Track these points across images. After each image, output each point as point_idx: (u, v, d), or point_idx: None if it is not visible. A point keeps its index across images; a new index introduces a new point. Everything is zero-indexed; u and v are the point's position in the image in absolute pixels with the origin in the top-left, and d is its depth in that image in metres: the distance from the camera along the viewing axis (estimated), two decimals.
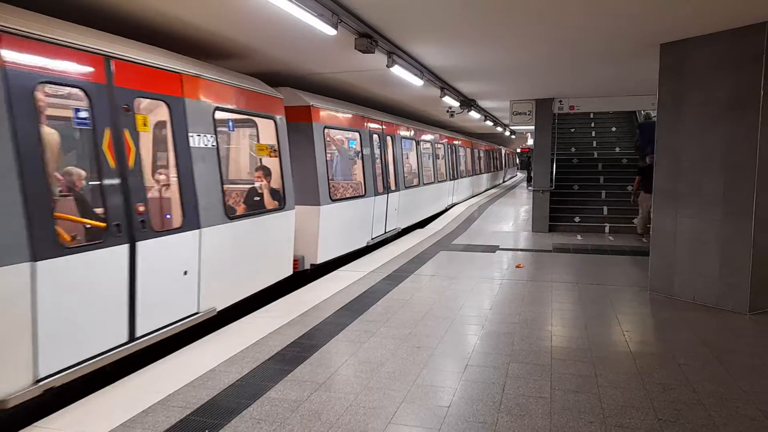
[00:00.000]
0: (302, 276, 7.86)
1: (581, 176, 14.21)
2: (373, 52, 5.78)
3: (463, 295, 6.58)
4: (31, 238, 3.53)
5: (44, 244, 3.63)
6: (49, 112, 4.51)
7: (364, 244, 9.82)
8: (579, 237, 11.35)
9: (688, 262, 6.26)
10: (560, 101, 11.83)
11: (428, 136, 15.13)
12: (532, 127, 13.05)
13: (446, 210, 16.81)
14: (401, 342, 4.93)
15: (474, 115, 13.27)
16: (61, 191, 4.40)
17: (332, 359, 4.52)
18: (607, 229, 12.00)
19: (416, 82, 7.85)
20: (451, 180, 17.82)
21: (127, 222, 4.37)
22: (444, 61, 7.65)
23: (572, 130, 17.70)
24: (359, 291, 6.72)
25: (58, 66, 3.89)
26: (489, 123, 16.76)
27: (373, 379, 4.12)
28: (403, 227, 12.18)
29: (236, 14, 5.16)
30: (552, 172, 12.41)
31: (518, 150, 48.60)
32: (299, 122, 7.91)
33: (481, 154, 25.23)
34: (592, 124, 18.15)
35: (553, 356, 4.59)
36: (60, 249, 3.79)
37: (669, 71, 6.40)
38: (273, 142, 6.97)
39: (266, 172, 6.95)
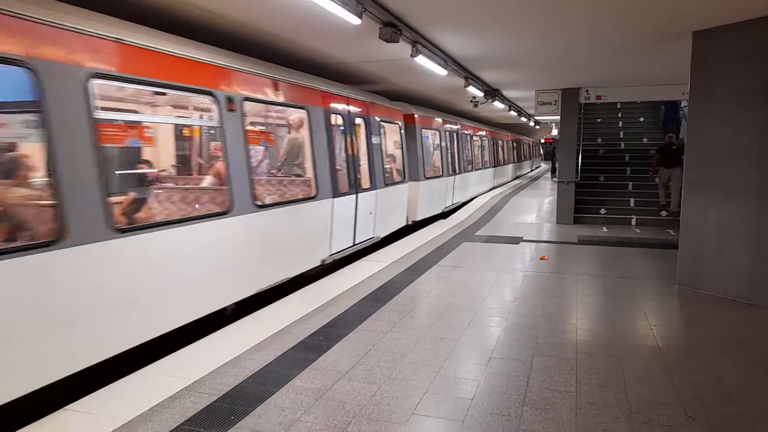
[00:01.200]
0: (406, 229, 11.08)
1: (607, 167, 13.98)
2: (398, 41, 5.74)
3: (486, 286, 6.54)
4: (333, 190, 7.42)
5: (335, 192, 7.45)
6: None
7: (440, 211, 13.33)
8: (605, 229, 11.17)
9: (718, 255, 6.12)
10: (587, 91, 11.61)
11: (479, 132, 18.51)
12: (557, 117, 12.87)
13: (488, 191, 19.68)
14: (424, 333, 4.93)
15: (498, 105, 13.11)
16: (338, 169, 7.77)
17: (356, 349, 4.54)
18: (633, 221, 11.78)
19: (440, 71, 7.78)
20: (492, 167, 20.71)
21: (355, 183, 8.18)
22: (467, 49, 7.56)
23: (598, 120, 17.37)
24: (382, 281, 6.72)
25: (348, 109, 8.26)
26: (513, 113, 16.56)
27: (396, 369, 4.12)
28: (461, 201, 15.54)
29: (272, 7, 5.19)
30: (577, 162, 12.23)
31: (542, 140, 48.02)
32: (408, 125, 11.40)
33: (512, 145, 26.78)
34: (619, 114, 17.77)
35: (579, 350, 4.53)
36: (337, 194, 7.53)
37: (701, 60, 6.23)
38: (398, 139, 10.93)
39: (394, 159, 10.94)
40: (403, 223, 10.79)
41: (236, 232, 5.48)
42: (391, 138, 10.89)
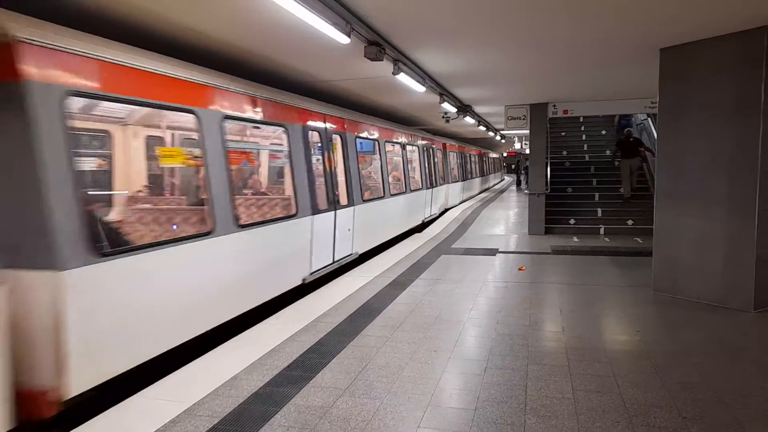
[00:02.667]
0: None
1: (574, 179, 14.40)
2: (382, 60, 5.84)
3: (470, 298, 6.63)
4: (332, 202, 8.12)
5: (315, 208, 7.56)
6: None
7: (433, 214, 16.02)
8: (575, 239, 11.48)
9: (692, 261, 6.38)
10: (554, 105, 11.98)
11: (459, 150, 21.54)
12: (526, 132, 13.23)
13: (463, 202, 21.59)
14: (417, 346, 4.96)
15: (469, 120, 13.38)
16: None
17: (351, 365, 4.53)
18: (602, 231, 12.15)
19: (419, 88, 7.92)
20: (462, 181, 22.05)
21: (334, 200, 8.27)
22: (445, 67, 7.74)
23: (563, 133, 17.91)
24: (367, 297, 6.73)
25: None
26: (482, 128, 16.91)
27: (396, 383, 4.14)
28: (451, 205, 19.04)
29: (260, 27, 5.22)
30: (547, 175, 12.56)
31: (504, 154, 49.05)
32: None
33: (477, 159, 27.70)
34: (582, 128, 18.39)
35: (570, 357, 4.64)
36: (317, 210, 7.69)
37: (670, 75, 6.54)
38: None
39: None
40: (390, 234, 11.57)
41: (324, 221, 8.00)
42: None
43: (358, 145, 10.06)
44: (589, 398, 3.85)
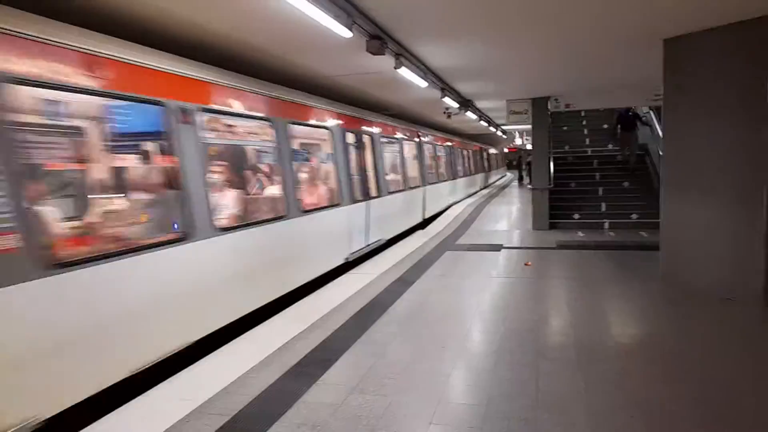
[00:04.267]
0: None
1: (577, 173, 14.33)
2: (384, 54, 5.79)
3: (477, 294, 6.59)
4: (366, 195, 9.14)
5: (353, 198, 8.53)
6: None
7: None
8: (580, 233, 11.43)
9: (700, 253, 6.33)
10: (556, 99, 11.91)
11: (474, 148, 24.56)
12: (527, 126, 13.17)
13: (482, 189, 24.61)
14: (426, 342, 4.92)
15: (470, 115, 13.33)
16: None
17: (360, 361, 4.50)
18: (606, 225, 12.09)
19: (421, 83, 7.88)
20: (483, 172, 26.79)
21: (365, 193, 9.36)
22: (446, 61, 7.70)
23: (564, 128, 17.84)
24: (374, 294, 6.70)
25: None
26: (483, 123, 16.86)
27: (406, 379, 4.10)
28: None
29: (261, 22, 5.17)
30: (550, 170, 12.51)
31: (505, 150, 48.92)
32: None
33: (485, 155, 29.82)
34: (584, 122, 18.31)
35: (580, 352, 4.60)
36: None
37: (673, 65, 6.49)
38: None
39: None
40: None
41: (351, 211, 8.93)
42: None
43: (383, 143, 11.19)
44: (601, 393, 3.81)
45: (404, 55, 6.59)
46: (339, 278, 7.64)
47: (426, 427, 3.39)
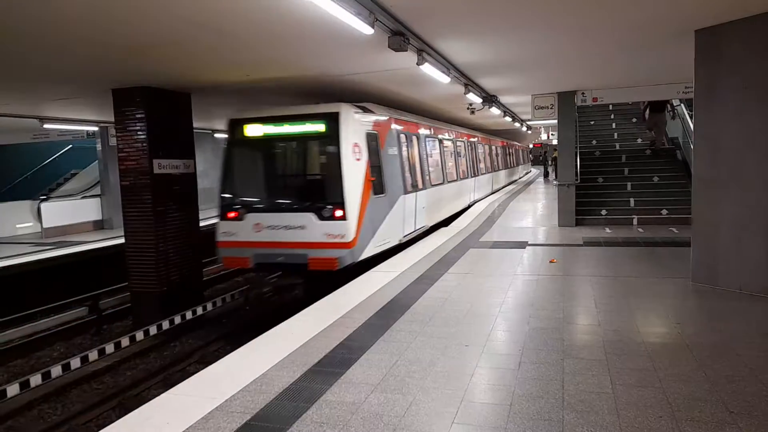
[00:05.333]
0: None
1: (605, 168, 14.06)
2: (406, 50, 5.74)
3: (501, 292, 6.50)
4: (403, 188, 10.25)
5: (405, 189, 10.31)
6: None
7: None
8: (607, 230, 11.20)
9: (733, 250, 6.13)
10: (583, 93, 11.67)
11: (501, 143, 25.78)
12: (553, 122, 12.96)
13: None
14: (448, 341, 4.87)
15: (494, 111, 13.17)
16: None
17: (382, 360, 4.47)
18: (635, 221, 11.82)
19: (443, 79, 7.80)
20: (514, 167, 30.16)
21: (413, 185, 10.98)
22: (469, 56, 7.60)
23: (592, 122, 17.53)
24: (395, 291, 6.66)
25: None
26: (508, 119, 16.65)
27: (428, 378, 4.06)
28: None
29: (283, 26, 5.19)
30: (576, 165, 12.28)
31: (531, 145, 48.32)
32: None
33: (510, 150, 30.52)
34: (612, 116, 17.96)
35: (607, 351, 4.49)
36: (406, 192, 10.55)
37: (705, 57, 6.28)
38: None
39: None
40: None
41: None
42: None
43: (426, 142, 12.42)
44: (629, 393, 3.70)
45: (426, 51, 6.53)
46: (360, 276, 7.62)
47: (449, 427, 3.34)
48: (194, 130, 10.51)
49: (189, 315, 9.08)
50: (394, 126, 10.14)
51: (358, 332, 5.20)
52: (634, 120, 17.43)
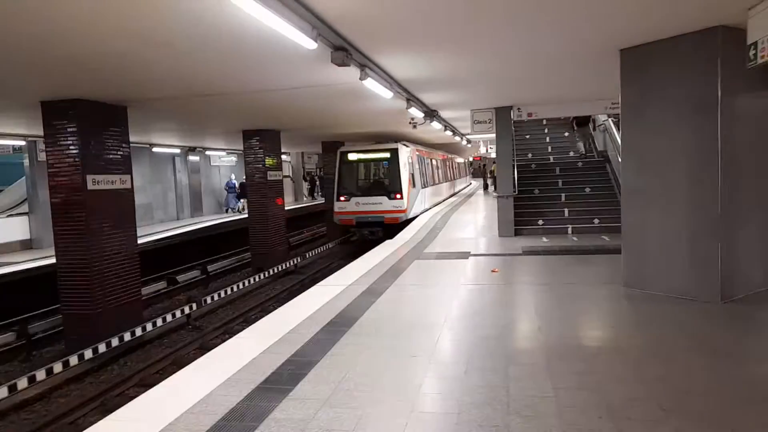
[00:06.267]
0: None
1: (540, 180, 14.63)
2: (349, 65, 5.81)
3: (446, 302, 6.62)
4: (421, 185, 19.01)
5: (421, 186, 18.90)
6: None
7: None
8: (545, 239, 11.64)
9: (659, 256, 6.52)
10: (518, 109, 12.14)
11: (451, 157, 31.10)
12: (491, 135, 13.39)
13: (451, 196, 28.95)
14: (396, 352, 4.91)
15: (436, 125, 13.46)
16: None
17: (330, 375, 4.45)
18: (569, 230, 12.35)
19: (386, 94, 7.92)
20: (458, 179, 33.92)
21: (423, 184, 19.24)
22: (411, 72, 7.77)
23: (527, 136, 18.22)
24: (342, 305, 6.65)
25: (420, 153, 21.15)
26: (449, 133, 17.04)
27: (377, 391, 4.08)
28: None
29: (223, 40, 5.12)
30: (514, 177, 12.72)
31: (470, 158, 49.57)
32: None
33: (455, 164, 34.10)
34: (546, 130, 18.74)
35: (549, 356, 4.67)
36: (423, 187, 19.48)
37: (629, 75, 6.71)
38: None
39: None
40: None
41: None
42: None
43: (425, 160, 20.46)
44: (570, 395, 3.86)
45: (369, 66, 6.62)
46: (307, 291, 7.58)
47: None
48: (132, 145, 10.16)
49: (127, 336, 8.69)
50: (416, 152, 18.60)
51: (306, 347, 5.16)
52: (566, 134, 18.28)
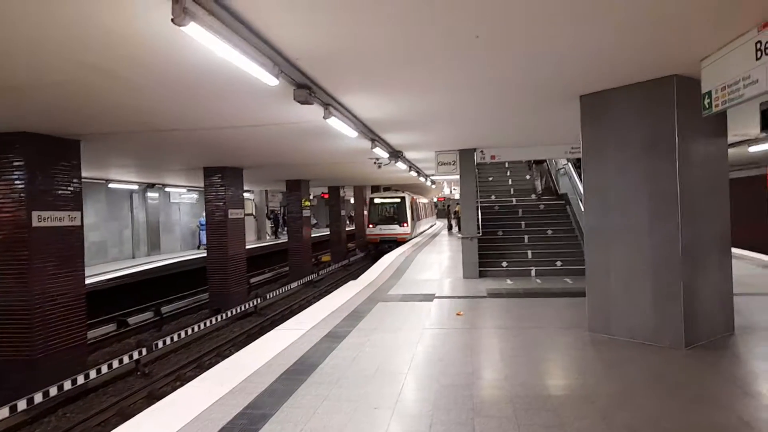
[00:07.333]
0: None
1: (504, 222, 14.73)
2: (312, 104, 5.71)
3: (410, 347, 6.39)
4: (417, 219, 31.40)
5: (417, 220, 31.08)
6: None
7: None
8: (509, 281, 11.60)
9: (623, 299, 6.49)
10: (482, 151, 12.28)
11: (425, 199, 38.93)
12: (455, 177, 13.47)
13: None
14: (357, 404, 4.63)
15: (401, 165, 13.48)
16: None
17: (285, 430, 4.14)
18: (533, 272, 12.36)
19: (351, 133, 7.85)
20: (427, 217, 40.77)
21: (415, 219, 29.47)
22: (375, 112, 7.74)
23: (490, 178, 18.47)
24: (301, 351, 6.34)
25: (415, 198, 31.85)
26: (413, 173, 17.11)
27: None
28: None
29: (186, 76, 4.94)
30: (478, 218, 12.75)
31: (435, 199, 50.10)
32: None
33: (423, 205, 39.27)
34: (508, 173, 19.05)
35: (515, 406, 4.48)
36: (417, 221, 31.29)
37: (589, 119, 6.83)
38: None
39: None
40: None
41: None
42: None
43: (416, 203, 30.14)
44: None
45: (333, 105, 6.55)
46: (265, 335, 7.23)
47: None
48: (84, 180, 9.73)
49: (68, 385, 8.08)
50: (413, 198, 28.29)
51: (261, 398, 4.83)
52: (528, 177, 18.61)
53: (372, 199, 27.23)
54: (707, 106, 5.54)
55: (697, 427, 4.00)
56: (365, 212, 28.57)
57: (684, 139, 6.01)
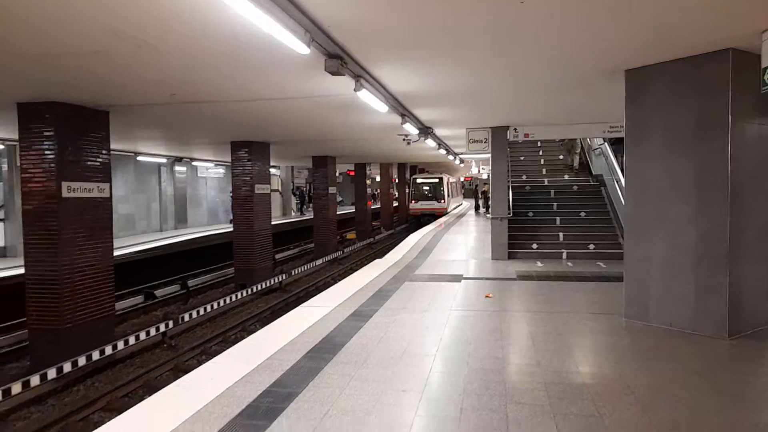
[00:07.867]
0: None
1: (535, 203, 14.36)
2: (343, 74, 5.48)
3: (438, 329, 6.23)
4: (451, 196, 35.08)
5: (451, 197, 34.59)
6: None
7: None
8: (539, 264, 11.31)
9: (663, 287, 6.20)
10: (515, 129, 11.90)
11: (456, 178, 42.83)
12: (482, 156, 13.13)
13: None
14: (384, 385, 4.50)
15: (430, 143, 13.18)
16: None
17: (312, 409, 4.03)
18: (564, 255, 12.04)
19: (381, 108, 7.61)
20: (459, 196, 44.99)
21: (449, 195, 33.80)
22: (406, 85, 7.46)
23: (522, 158, 18.01)
24: (327, 330, 6.24)
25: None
26: (442, 151, 16.78)
27: (363, 430, 3.66)
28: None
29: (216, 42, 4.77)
30: (509, 199, 12.43)
31: (462, 178, 49.55)
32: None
33: (454, 184, 41.52)
34: (540, 152, 18.55)
35: (550, 394, 4.28)
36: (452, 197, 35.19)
37: (634, 97, 6.44)
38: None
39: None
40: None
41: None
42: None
43: (451, 183, 33.94)
44: None
45: (364, 77, 6.31)
46: (290, 312, 7.15)
47: None
48: (113, 152, 9.73)
49: (96, 355, 8.17)
50: (448, 179, 31.98)
51: (287, 376, 4.74)
52: (561, 157, 18.09)
53: (415, 179, 31.12)
54: (767, 81, 5.14)
55: (743, 425, 3.75)
56: (407, 190, 33.02)
57: (738, 121, 5.62)
